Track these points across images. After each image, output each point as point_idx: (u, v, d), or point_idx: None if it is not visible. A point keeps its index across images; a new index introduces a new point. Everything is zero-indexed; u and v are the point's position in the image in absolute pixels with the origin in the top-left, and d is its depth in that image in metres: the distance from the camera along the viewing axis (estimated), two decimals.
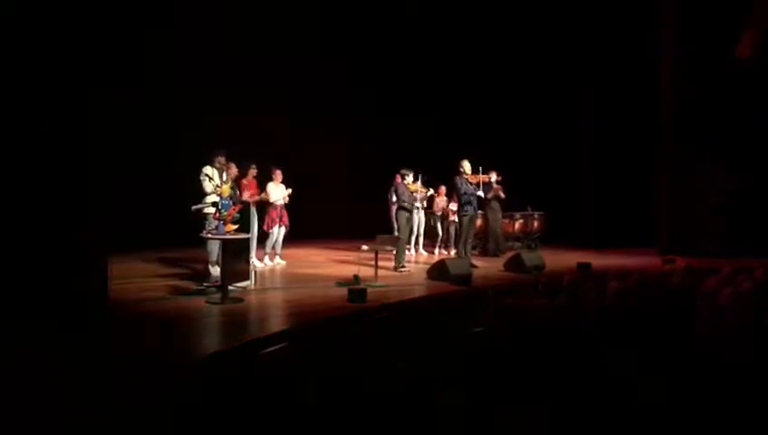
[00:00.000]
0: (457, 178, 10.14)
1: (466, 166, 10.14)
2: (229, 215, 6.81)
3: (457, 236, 10.89)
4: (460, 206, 10.29)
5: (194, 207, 7.61)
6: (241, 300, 6.86)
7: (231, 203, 6.91)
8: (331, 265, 10.30)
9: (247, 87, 12.19)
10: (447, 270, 8.56)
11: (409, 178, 10.27)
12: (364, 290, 7.01)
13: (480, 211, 11.13)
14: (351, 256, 10.92)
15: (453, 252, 11.35)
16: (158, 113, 11.37)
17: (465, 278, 8.25)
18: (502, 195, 11.63)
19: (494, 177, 11.17)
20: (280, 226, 9.92)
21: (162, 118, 11.45)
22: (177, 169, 10.21)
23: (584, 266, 8.76)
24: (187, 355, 4.90)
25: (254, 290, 7.65)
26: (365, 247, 8.50)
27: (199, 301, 6.82)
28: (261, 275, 8.67)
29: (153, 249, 10.65)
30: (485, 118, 14.20)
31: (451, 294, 7.69)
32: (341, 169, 14.31)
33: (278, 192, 9.86)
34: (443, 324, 6.62)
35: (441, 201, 12.07)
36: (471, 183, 10.16)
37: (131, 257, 9.86)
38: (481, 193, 10.54)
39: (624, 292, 5.43)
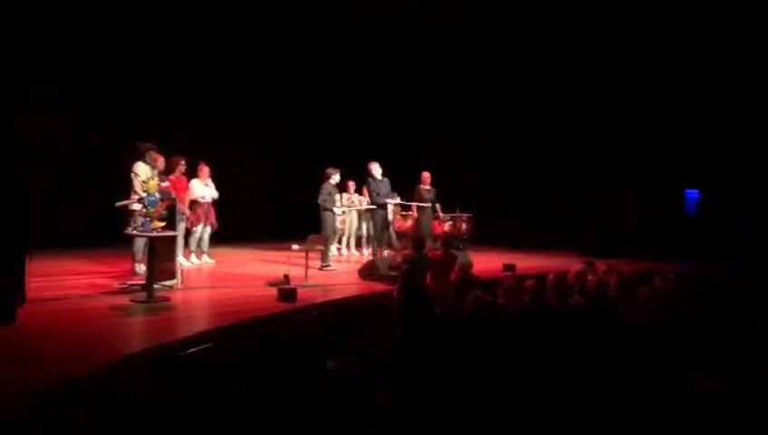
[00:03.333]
0: (370, 180, 10.61)
1: (375, 169, 10.53)
2: (156, 211, 6.63)
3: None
4: (374, 204, 10.71)
5: (118, 204, 7.39)
6: (167, 299, 6.70)
7: (158, 199, 6.72)
8: (260, 265, 10.19)
9: (170, 86, 11.91)
10: (378, 269, 8.63)
11: (335, 178, 10.31)
12: (294, 290, 6.99)
13: (411, 212, 11.40)
14: (281, 256, 10.83)
15: (386, 252, 11.48)
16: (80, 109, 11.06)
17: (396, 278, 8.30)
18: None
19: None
20: (205, 224, 9.75)
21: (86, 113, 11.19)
22: (106, 165, 10.25)
23: (509, 267, 8.95)
24: (96, 358, 4.66)
25: (181, 289, 7.49)
26: (296, 247, 8.44)
27: (124, 299, 6.65)
28: (188, 275, 8.48)
29: (78, 246, 10.34)
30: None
31: (382, 294, 7.67)
32: (270, 166, 14.12)
33: (204, 189, 9.68)
34: (375, 323, 6.70)
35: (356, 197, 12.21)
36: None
37: (56, 254, 9.47)
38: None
39: (539, 289, 5.68)
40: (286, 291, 6.95)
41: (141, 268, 7.82)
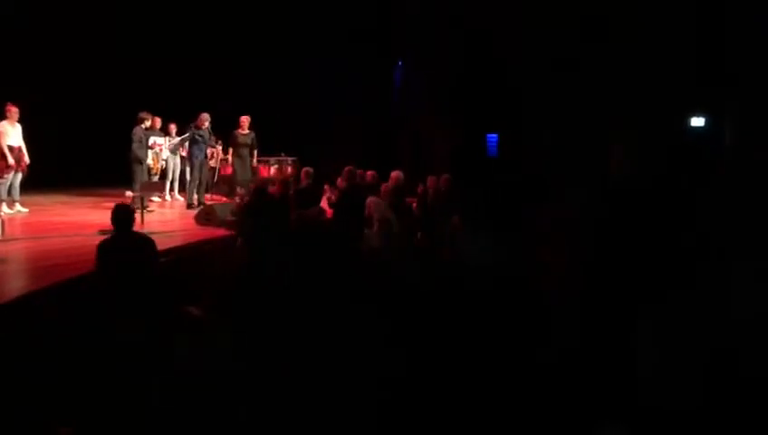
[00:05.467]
0: (192, 125, 10.58)
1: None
2: None
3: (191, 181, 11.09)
4: (191, 150, 10.69)
5: None
6: None
7: None
8: (83, 213, 9.61)
9: None
10: (216, 214, 8.63)
11: (148, 123, 10.18)
12: None
13: (228, 157, 11.45)
14: (99, 202, 10.37)
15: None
16: None
17: (235, 223, 8.36)
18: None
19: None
20: (16, 171, 9.04)
21: None
22: None
23: None
24: None
25: (3, 241, 6.98)
26: (129, 194, 8.18)
27: None
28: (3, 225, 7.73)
29: None
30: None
31: (223, 239, 7.73)
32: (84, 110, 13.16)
33: (14, 133, 8.95)
34: (223, 267, 6.81)
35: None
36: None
37: None
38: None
39: None
40: None
41: None
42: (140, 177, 9.75)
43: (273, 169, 12.85)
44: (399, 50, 14.98)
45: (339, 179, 8.56)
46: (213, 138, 11.12)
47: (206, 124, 10.50)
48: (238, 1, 14.24)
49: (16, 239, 7.26)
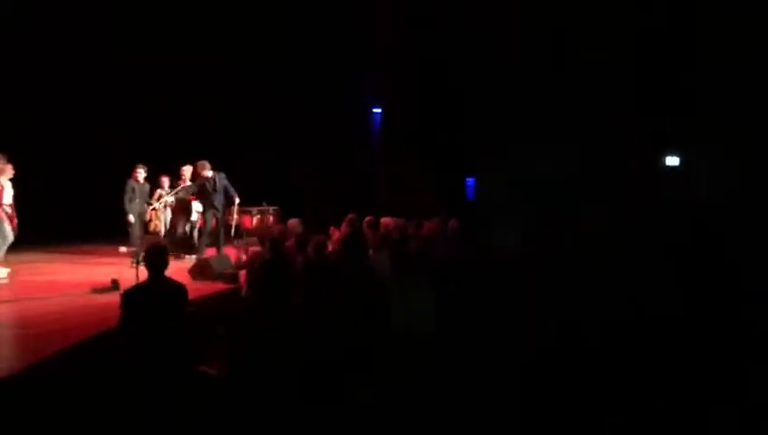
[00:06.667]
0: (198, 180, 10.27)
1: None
2: None
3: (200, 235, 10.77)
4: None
5: None
6: None
7: None
8: (70, 271, 9.15)
9: None
10: (212, 268, 8.39)
11: (142, 175, 9.96)
12: None
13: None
14: (85, 259, 9.98)
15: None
16: None
17: (232, 276, 8.11)
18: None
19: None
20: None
21: None
22: None
23: None
24: None
25: None
26: (124, 249, 7.88)
27: None
28: None
29: None
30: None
31: (225, 293, 7.53)
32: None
33: (10, 190, 8.50)
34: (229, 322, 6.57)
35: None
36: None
37: None
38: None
39: None
40: None
41: None
42: (134, 231, 9.46)
43: (255, 220, 12.64)
44: (376, 97, 15.09)
45: (333, 229, 8.41)
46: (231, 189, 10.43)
47: (206, 174, 10.08)
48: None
49: (9, 301, 6.89)
